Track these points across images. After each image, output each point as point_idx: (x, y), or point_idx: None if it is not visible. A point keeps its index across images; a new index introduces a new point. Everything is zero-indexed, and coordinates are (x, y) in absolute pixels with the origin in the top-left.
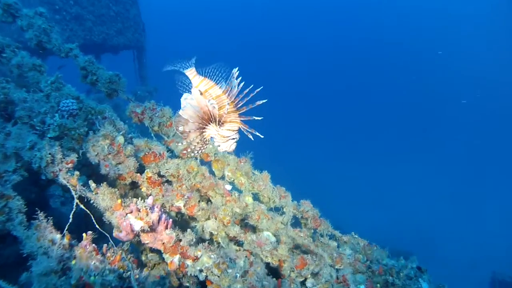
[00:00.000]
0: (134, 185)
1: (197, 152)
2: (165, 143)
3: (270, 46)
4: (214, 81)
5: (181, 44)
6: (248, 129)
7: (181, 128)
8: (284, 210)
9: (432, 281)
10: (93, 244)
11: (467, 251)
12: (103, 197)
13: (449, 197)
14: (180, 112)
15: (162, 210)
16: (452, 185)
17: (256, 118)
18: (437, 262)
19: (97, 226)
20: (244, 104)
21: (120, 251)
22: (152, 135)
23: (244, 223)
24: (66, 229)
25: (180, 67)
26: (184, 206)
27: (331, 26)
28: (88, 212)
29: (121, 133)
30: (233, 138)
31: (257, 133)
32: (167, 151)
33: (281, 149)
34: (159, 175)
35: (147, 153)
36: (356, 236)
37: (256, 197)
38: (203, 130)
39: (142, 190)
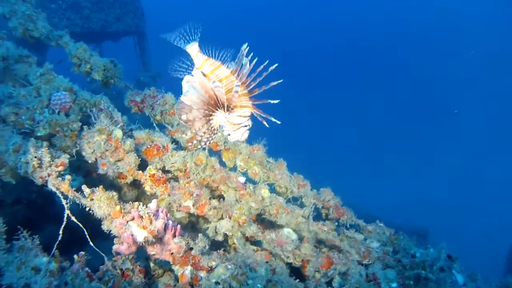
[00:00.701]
0: (137, 184)
1: (204, 143)
2: (169, 133)
3: (283, 26)
4: (220, 60)
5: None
6: (262, 115)
7: (184, 117)
8: (303, 200)
9: (463, 270)
10: (87, 268)
11: (480, 223)
12: (99, 204)
13: (460, 169)
14: (182, 98)
15: (168, 214)
16: (463, 157)
17: (272, 101)
18: (450, 235)
19: (91, 243)
20: (257, 86)
21: (119, 278)
22: (155, 125)
23: (261, 219)
24: (54, 249)
25: (180, 42)
26: (193, 205)
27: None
28: (81, 226)
29: (118, 126)
30: (245, 126)
31: (273, 119)
32: (172, 143)
33: (290, 133)
34: (164, 171)
35: (149, 146)
36: (381, 224)
37: (271, 188)
38: (210, 118)
39: (146, 189)
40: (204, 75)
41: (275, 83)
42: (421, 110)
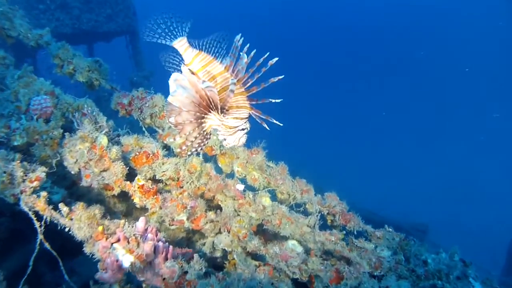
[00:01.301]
0: (125, 196)
1: (196, 149)
2: (159, 138)
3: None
4: (212, 55)
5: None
6: (261, 116)
7: (173, 119)
8: (307, 207)
9: (478, 276)
10: None
11: (478, 218)
12: (79, 224)
13: (458, 163)
14: (170, 98)
15: (159, 234)
16: (461, 153)
17: (274, 100)
18: (448, 230)
19: (66, 277)
20: (255, 83)
21: None
22: (144, 129)
23: (262, 229)
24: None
25: (166, 39)
26: (187, 219)
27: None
28: (56, 255)
29: (103, 132)
30: (243, 129)
31: (274, 121)
32: (163, 149)
33: (284, 133)
34: (155, 180)
35: (137, 153)
36: (390, 229)
37: (273, 194)
38: (202, 121)
39: (135, 201)
40: (193, 73)
41: (276, 79)
42: (418, 106)
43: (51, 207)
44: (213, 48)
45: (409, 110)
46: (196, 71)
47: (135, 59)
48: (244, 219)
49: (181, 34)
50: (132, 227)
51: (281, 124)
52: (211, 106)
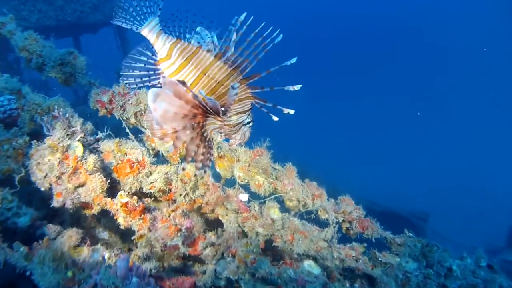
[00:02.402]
0: (107, 215)
1: (205, 164)
2: (146, 140)
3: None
4: (195, 41)
5: (168, 10)
6: (268, 105)
7: (160, 135)
8: (319, 213)
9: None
10: None
11: (476, 204)
12: (42, 270)
13: (450, 145)
14: (151, 117)
15: (147, 277)
16: (457, 134)
17: (292, 87)
18: (447, 217)
19: None
20: (257, 69)
21: None
22: (128, 131)
23: (271, 244)
24: None
25: (131, 23)
26: (183, 243)
27: None
28: None
29: (77, 137)
30: (247, 123)
31: (285, 110)
32: (150, 154)
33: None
34: (142, 193)
35: (120, 162)
36: (411, 234)
37: (280, 201)
38: (202, 129)
39: (119, 221)
40: (183, 82)
41: (292, 88)
42: (416, 95)
43: (5, 245)
44: (192, 30)
45: (409, 99)
46: (178, 67)
47: (124, 49)
48: (252, 241)
49: (149, 17)
50: (116, 256)
51: (293, 111)
52: (207, 111)
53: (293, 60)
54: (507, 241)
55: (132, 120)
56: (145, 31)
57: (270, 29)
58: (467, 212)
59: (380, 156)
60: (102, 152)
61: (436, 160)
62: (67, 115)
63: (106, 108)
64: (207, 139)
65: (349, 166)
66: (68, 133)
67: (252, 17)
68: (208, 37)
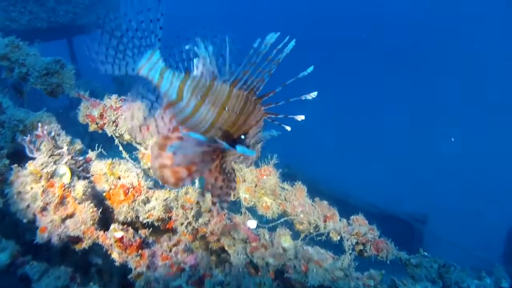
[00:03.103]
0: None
1: (225, 198)
2: (142, 158)
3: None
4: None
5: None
6: (280, 117)
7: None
8: (331, 236)
9: None
10: None
11: (472, 201)
12: None
13: (447, 146)
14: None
15: None
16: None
17: (309, 96)
18: (445, 219)
19: None
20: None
21: None
22: (121, 148)
23: (282, 276)
24: None
25: (123, 64)
26: (187, 283)
27: None
28: None
29: (64, 161)
30: (261, 141)
31: (298, 117)
32: (147, 175)
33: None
34: (139, 222)
35: (113, 187)
36: (426, 254)
37: (289, 225)
38: (222, 160)
39: (113, 256)
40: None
41: (306, 72)
42: (414, 97)
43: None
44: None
45: (407, 99)
46: (193, 109)
47: None
48: (266, 280)
49: (148, 48)
50: None
51: (303, 117)
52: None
53: (310, 69)
54: (506, 246)
55: (126, 137)
56: (144, 71)
57: (286, 39)
58: (465, 211)
59: (378, 155)
60: (92, 175)
61: (434, 160)
62: (53, 133)
63: (96, 123)
64: (227, 170)
65: (345, 165)
66: (54, 154)
67: (278, 34)
68: (205, 53)
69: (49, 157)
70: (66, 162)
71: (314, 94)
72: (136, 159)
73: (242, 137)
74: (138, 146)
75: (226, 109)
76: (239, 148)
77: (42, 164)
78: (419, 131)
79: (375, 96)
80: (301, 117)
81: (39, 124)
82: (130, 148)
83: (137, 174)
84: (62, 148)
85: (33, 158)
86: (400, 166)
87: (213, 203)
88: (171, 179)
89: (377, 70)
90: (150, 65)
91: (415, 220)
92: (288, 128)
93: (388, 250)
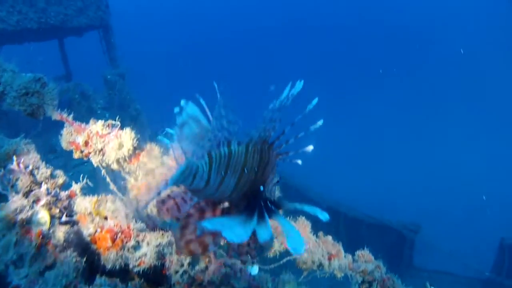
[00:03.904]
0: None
1: (253, 254)
2: (131, 188)
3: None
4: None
5: (151, 17)
6: (290, 154)
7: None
8: (335, 273)
9: None
10: None
11: (462, 207)
12: None
13: (439, 151)
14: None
15: None
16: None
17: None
18: (433, 221)
19: None
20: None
21: None
22: (108, 180)
23: None
24: None
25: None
26: None
27: None
28: None
29: (43, 202)
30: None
31: (308, 148)
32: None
33: None
34: (127, 271)
35: (99, 230)
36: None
37: (292, 265)
38: None
39: None
40: None
41: (311, 106)
42: (402, 100)
43: None
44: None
45: (396, 107)
46: (217, 186)
47: (109, 55)
48: None
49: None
50: None
51: (312, 147)
52: None
53: (314, 101)
54: (498, 255)
55: (114, 166)
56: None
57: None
58: (457, 219)
59: (369, 163)
60: (76, 214)
61: (426, 168)
62: (30, 167)
63: (81, 152)
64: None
65: (336, 173)
66: (32, 193)
67: (302, 82)
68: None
69: (26, 197)
70: (45, 205)
71: (320, 123)
72: (124, 188)
73: (261, 188)
74: (127, 176)
75: (245, 170)
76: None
77: (16, 209)
78: (410, 139)
79: (366, 103)
80: (310, 148)
81: (14, 157)
82: (118, 180)
83: (126, 215)
84: (41, 184)
85: (6, 196)
86: (391, 174)
87: (242, 262)
88: (198, 250)
89: (368, 76)
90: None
91: (408, 230)
92: (300, 162)
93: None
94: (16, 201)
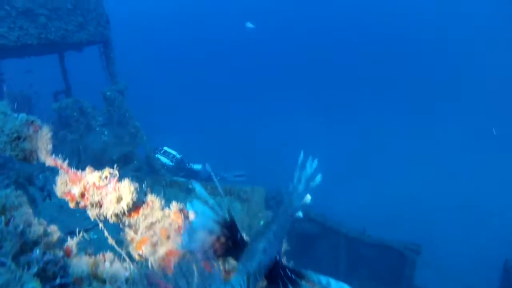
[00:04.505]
0: None
1: None
2: (131, 241)
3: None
4: None
5: (151, 33)
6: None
7: None
8: None
9: None
10: None
11: (465, 236)
12: None
13: (445, 175)
14: None
15: None
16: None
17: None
18: (436, 249)
19: None
20: None
21: None
22: (106, 234)
23: None
24: None
25: None
26: None
27: None
28: None
29: (35, 270)
30: None
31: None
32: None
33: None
34: None
35: None
36: None
37: None
38: None
39: None
40: None
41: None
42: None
43: None
44: None
45: (395, 123)
46: None
47: (109, 70)
48: None
49: None
50: None
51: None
52: None
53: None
54: (501, 278)
55: (112, 219)
56: None
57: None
58: (459, 239)
59: (368, 181)
60: (72, 277)
61: (426, 186)
62: (21, 226)
63: (76, 203)
64: None
65: (335, 190)
66: (21, 260)
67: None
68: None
69: (15, 263)
70: (36, 272)
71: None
72: (122, 242)
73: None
74: (126, 229)
75: None
76: None
77: (2, 285)
78: (410, 156)
79: (364, 119)
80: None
81: (3, 217)
82: (116, 232)
83: (126, 281)
84: (32, 248)
85: None
86: (390, 191)
87: None
88: None
89: (367, 89)
90: None
91: (409, 251)
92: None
93: None
94: (3, 273)
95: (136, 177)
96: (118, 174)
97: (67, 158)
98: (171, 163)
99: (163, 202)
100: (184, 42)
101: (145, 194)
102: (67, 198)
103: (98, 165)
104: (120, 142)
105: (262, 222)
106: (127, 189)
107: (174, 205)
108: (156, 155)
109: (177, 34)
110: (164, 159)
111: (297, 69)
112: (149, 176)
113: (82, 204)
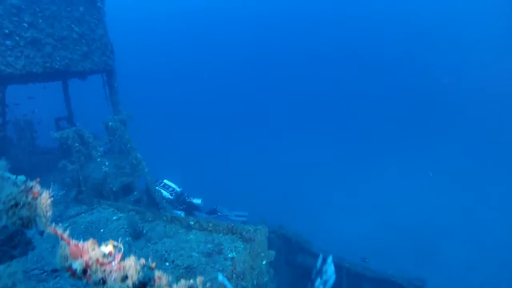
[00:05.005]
0: None
1: None
2: None
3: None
4: None
5: (153, 63)
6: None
7: None
8: None
9: None
10: None
11: (462, 253)
12: None
13: (440, 196)
14: None
15: None
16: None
17: None
18: (433, 266)
19: None
20: None
21: None
22: None
23: None
24: None
25: None
26: None
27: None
28: None
29: None
30: None
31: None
32: None
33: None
34: None
35: None
36: None
37: None
38: None
39: None
40: None
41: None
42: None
43: None
44: None
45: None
46: None
47: (112, 100)
48: None
49: None
50: None
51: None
52: None
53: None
54: None
55: None
56: None
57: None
58: (456, 264)
59: (368, 211)
60: None
61: (426, 215)
62: None
63: (79, 278)
64: None
65: (336, 220)
66: None
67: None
68: None
69: None
70: None
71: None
72: None
73: None
74: None
75: None
76: None
77: None
78: (410, 184)
79: (362, 145)
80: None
81: None
82: None
83: None
84: None
85: None
86: (390, 222)
87: None
88: None
89: (365, 110)
90: None
91: (412, 285)
92: None
93: None
94: None
95: (137, 211)
96: (122, 248)
97: (67, 188)
98: (170, 197)
99: (170, 278)
100: (189, 68)
101: (151, 269)
102: (68, 272)
103: (99, 196)
104: (121, 172)
105: (264, 262)
106: (133, 268)
107: (183, 283)
108: (156, 188)
109: (179, 62)
110: (164, 192)
111: (295, 103)
112: (149, 208)
113: (84, 280)
